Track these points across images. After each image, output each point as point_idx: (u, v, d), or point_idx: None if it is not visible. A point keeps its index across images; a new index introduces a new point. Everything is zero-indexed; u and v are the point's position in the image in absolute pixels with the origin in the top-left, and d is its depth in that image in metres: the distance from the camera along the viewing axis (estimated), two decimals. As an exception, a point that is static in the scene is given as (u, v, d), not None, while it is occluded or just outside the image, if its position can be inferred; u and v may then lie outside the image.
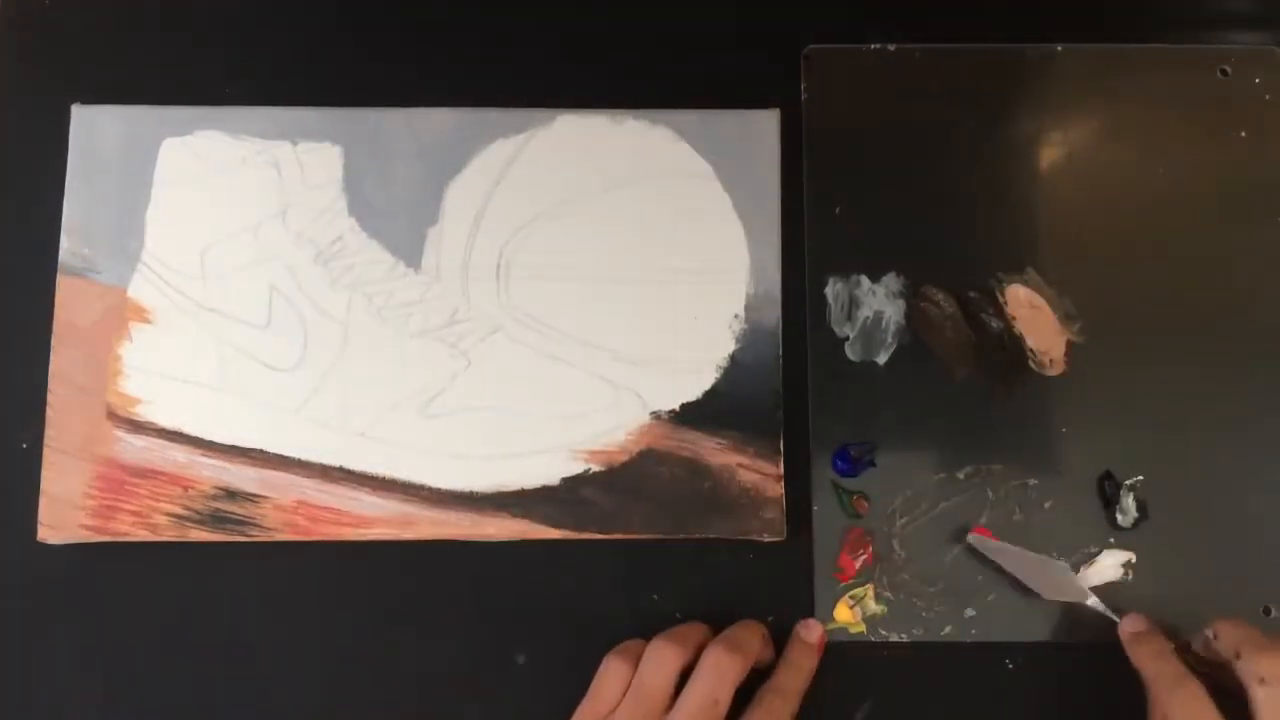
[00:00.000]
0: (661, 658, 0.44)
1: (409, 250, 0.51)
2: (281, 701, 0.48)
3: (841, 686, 0.48)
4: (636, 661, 0.45)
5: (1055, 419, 0.50)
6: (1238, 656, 0.42)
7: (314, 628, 0.49)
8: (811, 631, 0.48)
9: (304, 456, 0.49)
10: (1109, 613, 0.48)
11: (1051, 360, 0.51)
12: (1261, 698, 0.40)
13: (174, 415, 0.49)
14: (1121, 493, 0.49)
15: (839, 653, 0.48)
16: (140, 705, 0.48)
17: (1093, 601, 0.48)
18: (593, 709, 0.44)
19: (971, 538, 0.49)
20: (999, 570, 0.49)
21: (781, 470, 0.49)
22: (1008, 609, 0.49)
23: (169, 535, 0.49)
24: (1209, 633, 0.44)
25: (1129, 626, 0.47)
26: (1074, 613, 0.48)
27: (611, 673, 0.45)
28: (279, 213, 0.51)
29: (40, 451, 0.49)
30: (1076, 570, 0.49)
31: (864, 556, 0.49)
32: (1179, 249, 0.52)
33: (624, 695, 0.44)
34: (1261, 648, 0.41)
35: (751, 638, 0.46)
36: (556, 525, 0.49)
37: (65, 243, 0.51)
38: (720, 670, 0.44)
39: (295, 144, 0.52)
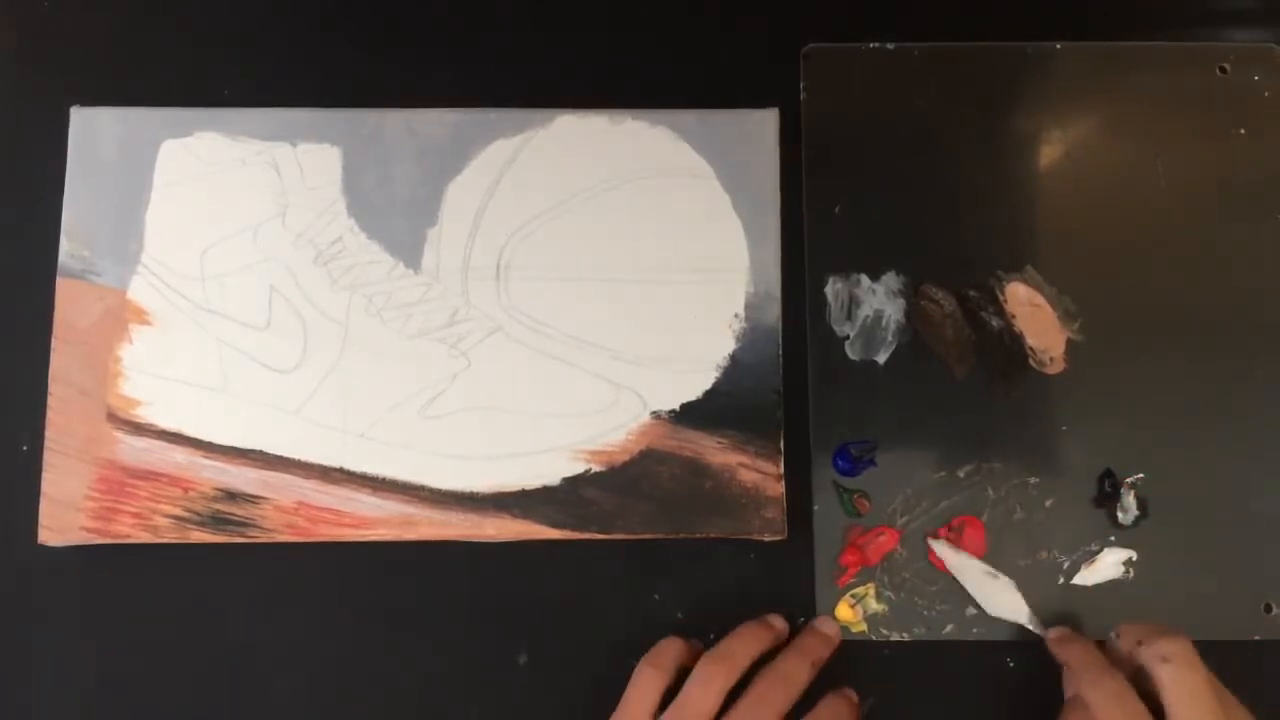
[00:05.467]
0: (710, 677, 0.44)
1: (409, 251, 0.51)
2: (281, 701, 0.48)
3: (843, 685, 0.48)
4: (669, 670, 0.45)
5: (1055, 417, 0.50)
6: (1139, 645, 0.44)
7: (314, 628, 0.49)
8: (827, 625, 0.48)
9: (304, 458, 0.49)
10: (1040, 630, 0.48)
11: (1051, 358, 0.51)
12: (1165, 675, 0.42)
13: (174, 417, 0.49)
14: (1122, 491, 0.49)
15: (841, 652, 0.48)
16: (141, 706, 0.48)
17: (1029, 622, 0.48)
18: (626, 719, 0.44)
19: (934, 542, 0.49)
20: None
21: (782, 469, 0.49)
22: (1009, 608, 0.49)
23: (170, 537, 0.48)
24: (1113, 634, 0.46)
25: (1055, 633, 0.48)
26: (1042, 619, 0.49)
27: (645, 681, 0.44)
28: (278, 214, 0.51)
29: (40, 453, 0.49)
30: (1078, 569, 0.49)
31: (882, 538, 0.49)
32: (1178, 246, 0.52)
33: (658, 705, 0.44)
34: (1160, 633, 0.44)
35: (745, 645, 0.46)
36: (557, 525, 0.49)
37: (65, 245, 0.51)
38: (708, 681, 0.44)
39: (295, 145, 0.52)
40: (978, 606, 0.49)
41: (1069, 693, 0.46)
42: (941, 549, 0.49)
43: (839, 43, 0.54)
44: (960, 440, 0.50)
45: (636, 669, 0.45)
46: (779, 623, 0.48)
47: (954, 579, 0.49)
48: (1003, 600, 0.48)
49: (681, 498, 0.49)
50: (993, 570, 0.49)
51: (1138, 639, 0.44)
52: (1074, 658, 0.45)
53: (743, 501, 0.49)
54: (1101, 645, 0.47)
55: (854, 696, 0.47)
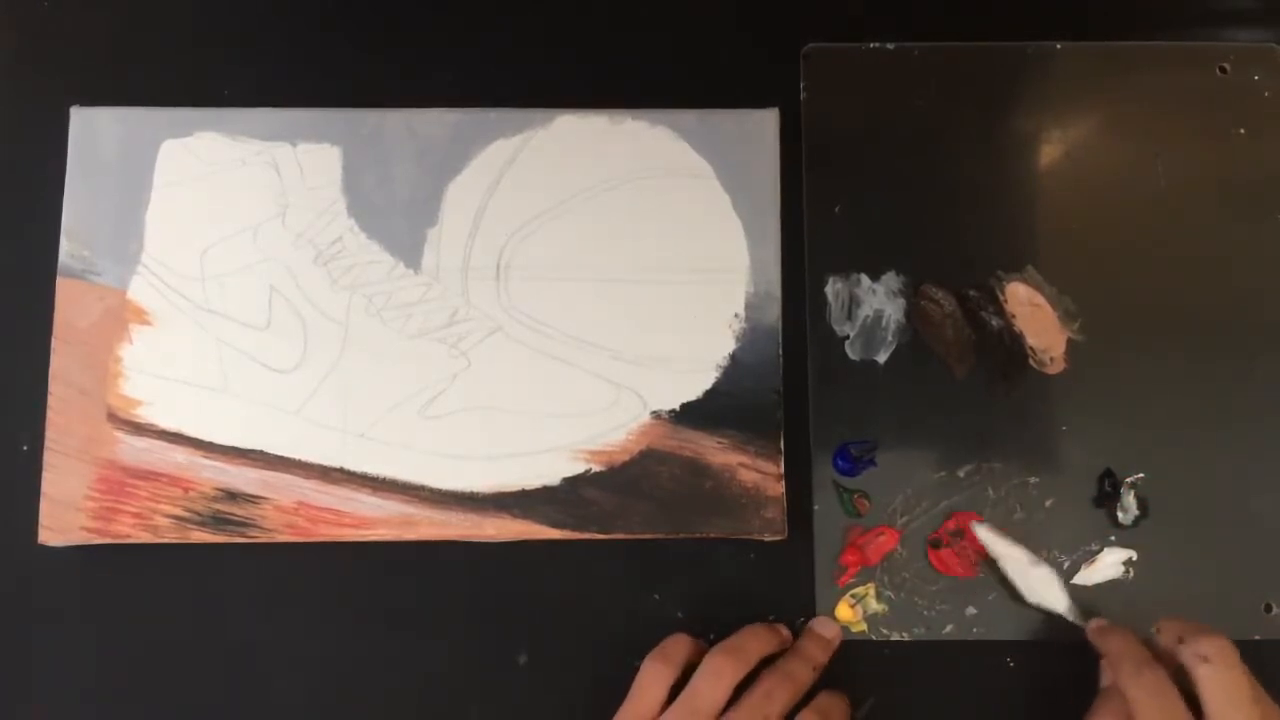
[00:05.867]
0: (719, 669, 0.44)
1: (409, 251, 0.51)
2: (281, 701, 0.48)
3: (843, 685, 0.48)
4: (676, 664, 0.45)
5: (1055, 417, 0.50)
6: (1180, 642, 0.43)
7: (314, 628, 0.49)
8: (827, 627, 0.48)
9: (304, 457, 0.49)
10: (1080, 621, 0.48)
11: (1051, 358, 0.51)
12: (1205, 674, 0.42)
13: (174, 417, 0.49)
14: (1122, 490, 0.49)
15: (841, 651, 0.48)
16: (141, 706, 0.48)
17: (1068, 612, 0.48)
18: (634, 714, 0.44)
19: (977, 527, 0.49)
20: (994, 565, 0.49)
21: (782, 469, 0.49)
22: (1010, 607, 0.49)
23: (170, 537, 0.48)
24: (1153, 630, 0.46)
25: (1095, 623, 0.48)
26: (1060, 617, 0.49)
27: (653, 674, 0.45)
28: (278, 214, 0.51)
29: (41, 453, 0.49)
30: (1078, 568, 0.49)
31: (882, 538, 0.49)
32: (1178, 246, 0.52)
33: (665, 699, 0.44)
34: (1201, 631, 0.43)
35: (754, 641, 0.46)
36: (556, 525, 0.49)
37: (65, 244, 0.51)
38: (718, 673, 0.44)
39: (295, 145, 0.52)
40: (1023, 597, 0.48)
41: (1105, 682, 0.46)
42: (984, 534, 0.48)
43: (839, 43, 0.54)
44: (960, 440, 0.50)
45: (644, 662, 0.45)
46: (784, 630, 0.48)
47: (953, 579, 0.49)
48: (1044, 589, 0.48)
49: (681, 498, 0.49)
50: (1035, 558, 0.48)
51: (1178, 636, 0.44)
52: (1114, 648, 0.45)
53: (743, 501, 0.49)
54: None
55: (845, 697, 0.47)
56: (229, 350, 0.50)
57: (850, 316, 0.51)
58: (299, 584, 0.49)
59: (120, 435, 0.49)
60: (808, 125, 0.53)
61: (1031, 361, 0.51)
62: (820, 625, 0.48)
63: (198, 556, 0.49)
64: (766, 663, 0.46)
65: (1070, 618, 0.48)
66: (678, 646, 0.46)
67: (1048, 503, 0.50)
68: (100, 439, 0.49)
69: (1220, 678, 0.41)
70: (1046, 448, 0.50)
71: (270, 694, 0.48)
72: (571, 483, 0.49)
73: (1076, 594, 0.49)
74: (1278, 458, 0.50)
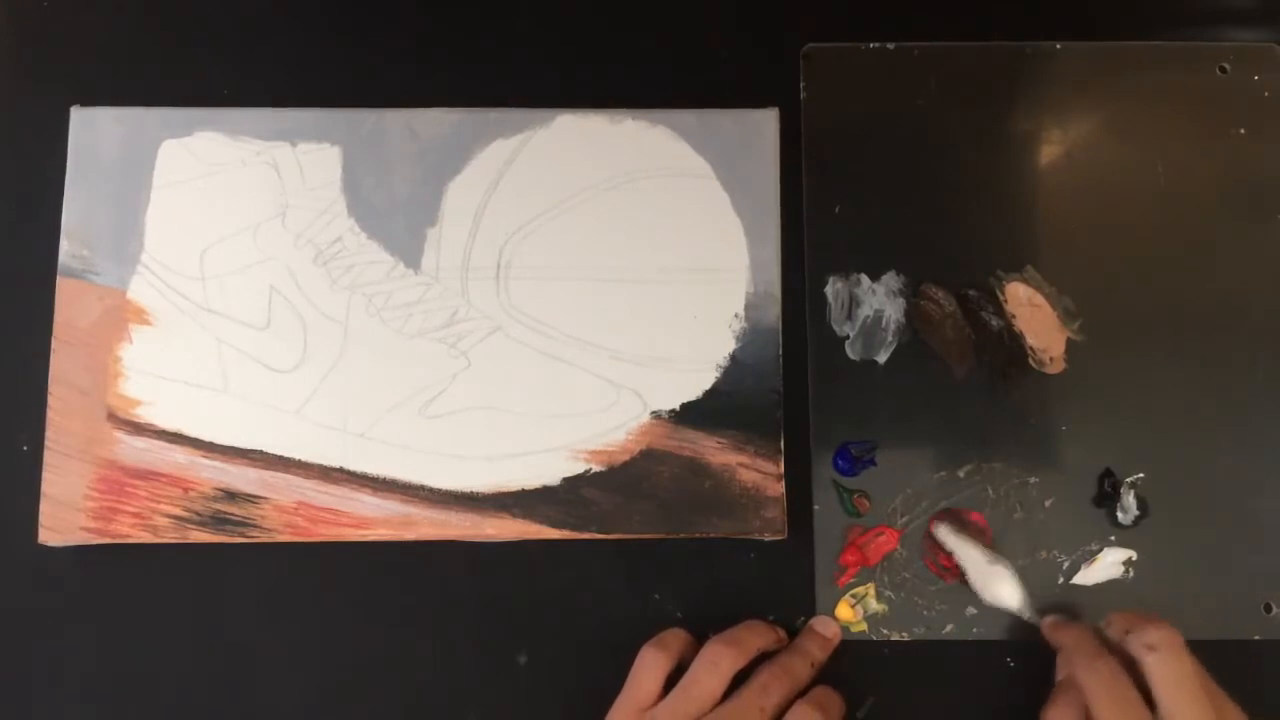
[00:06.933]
0: (717, 659, 0.45)
1: (408, 251, 0.51)
2: (281, 701, 0.48)
3: (843, 685, 0.48)
4: (673, 654, 0.45)
5: (1055, 416, 0.50)
6: (1127, 633, 0.44)
7: (314, 628, 0.49)
8: (827, 626, 0.48)
9: (304, 457, 0.49)
10: (1035, 619, 0.48)
11: (1051, 358, 0.51)
12: (1152, 662, 0.42)
13: (174, 417, 0.49)
14: (1122, 490, 0.49)
15: (840, 651, 0.48)
16: (141, 706, 0.48)
17: (1025, 611, 0.48)
18: (632, 701, 0.45)
19: (937, 526, 0.49)
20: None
21: (782, 469, 0.49)
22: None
23: (169, 537, 0.49)
24: (1102, 624, 0.46)
25: (1050, 618, 0.48)
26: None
27: (650, 662, 0.45)
28: (278, 214, 0.51)
29: (40, 453, 0.49)
30: (1078, 568, 0.49)
31: (882, 537, 0.49)
32: (1178, 246, 0.52)
33: (662, 687, 0.45)
34: (1148, 622, 0.44)
35: (752, 635, 0.46)
36: (556, 525, 0.49)
37: (65, 244, 0.51)
38: (716, 663, 0.44)
39: (294, 145, 0.52)
40: (978, 596, 0.48)
41: (1061, 675, 0.46)
42: (943, 533, 0.48)
43: (839, 42, 0.54)
44: (960, 440, 0.50)
45: (641, 651, 0.46)
46: (780, 630, 0.48)
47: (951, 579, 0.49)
48: (1000, 588, 0.48)
49: (681, 498, 0.49)
50: (993, 556, 0.48)
51: (1125, 628, 0.44)
52: (1068, 641, 0.46)
53: (743, 501, 0.49)
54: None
55: (841, 694, 0.47)
56: (229, 350, 0.50)
57: (850, 316, 0.51)
58: (299, 584, 0.49)
59: (120, 435, 0.49)
60: (807, 125, 0.53)
61: (1031, 361, 0.51)
62: (820, 624, 0.48)
63: (197, 556, 0.49)
64: (762, 660, 0.46)
65: (1025, 616, 0.48)
66: (675, 637, 0.46)
67: (1048, 502, 0.50)
68: (100, 439, 0.49)
69: (1167, 665, 0.42)
70: (1046, 447, 0.50)
71: (270, 694, 0.48)
72: (571, 483, 0.49)
73: (1076, 594, 0.49)
74: (1278, 458, 0.50)
